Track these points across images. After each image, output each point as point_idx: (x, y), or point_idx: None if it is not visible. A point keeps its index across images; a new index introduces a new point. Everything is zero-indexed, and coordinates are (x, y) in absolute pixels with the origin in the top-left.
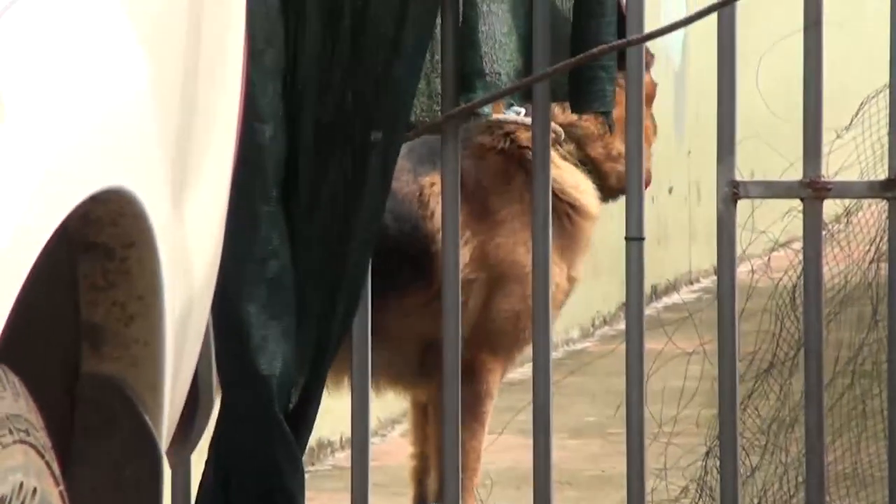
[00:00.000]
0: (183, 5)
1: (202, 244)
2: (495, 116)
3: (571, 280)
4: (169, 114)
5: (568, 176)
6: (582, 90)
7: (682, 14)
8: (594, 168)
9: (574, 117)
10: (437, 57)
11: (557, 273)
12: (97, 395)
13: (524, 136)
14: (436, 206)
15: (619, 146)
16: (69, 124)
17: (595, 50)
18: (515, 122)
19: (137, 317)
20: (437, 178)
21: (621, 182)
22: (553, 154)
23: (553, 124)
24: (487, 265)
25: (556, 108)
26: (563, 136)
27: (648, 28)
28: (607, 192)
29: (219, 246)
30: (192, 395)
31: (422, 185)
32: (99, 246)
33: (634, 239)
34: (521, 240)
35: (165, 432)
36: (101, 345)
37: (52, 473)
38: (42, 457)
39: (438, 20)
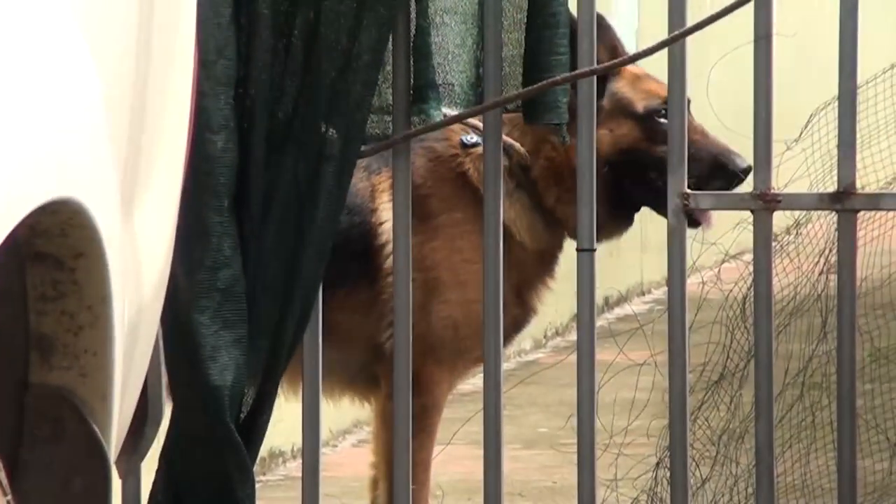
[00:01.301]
0: (133, 15)
1: (152, 254)
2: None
3: (525, 308)
4: (118, 124)
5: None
6: (536, 101)
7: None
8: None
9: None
10: (389, 68)
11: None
12: (46, 405)
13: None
14: (382, 203)
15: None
16: (16, 134)
17: (549, 81)
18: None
19: (87, 327)
20: (389, 175)
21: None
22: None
23: (515, 143)
24: (423, 267)
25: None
26: (525, 155)
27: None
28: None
29: (169, 256)
30: (142, 404)
31: (373, 182)
32: (48, 256)
33: (586, 250)
34: (458, 247)
35: (115, 442)
36: (50, 355)
37: (0, 484)
38: None
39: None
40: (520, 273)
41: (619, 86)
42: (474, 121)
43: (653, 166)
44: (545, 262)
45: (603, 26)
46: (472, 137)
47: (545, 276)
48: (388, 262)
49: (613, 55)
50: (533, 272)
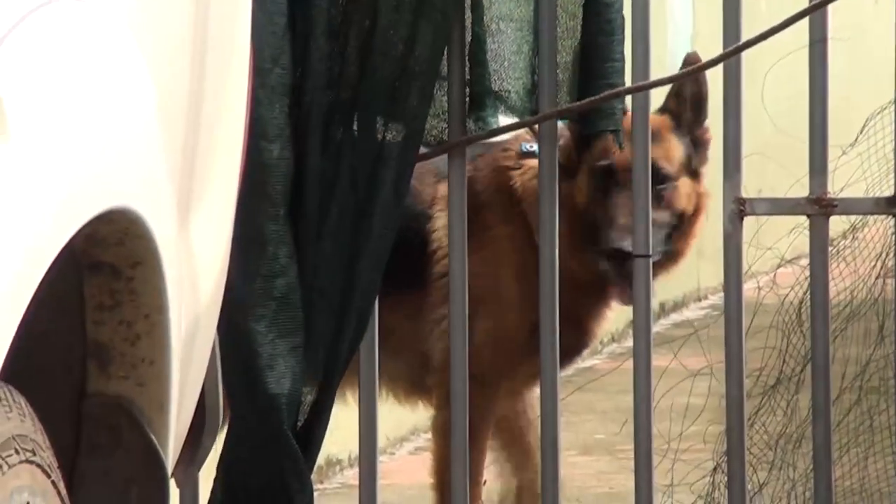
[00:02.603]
0: (187, 26)
1: (208, 263)
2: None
3: (580, 333)
4: (174, 133)
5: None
6: (592, 109)
7: (688, 19)
8: None
9: None
10: (445, 75)
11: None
12: (104, 415)
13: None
14: (438, 210)
15: None
16: (74, 144)
17: (603, 95)
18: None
19: (144, 336)
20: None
21: None
22: None
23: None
24: (470, 276)
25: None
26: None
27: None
28: None
29: (225, 264)
30: (199, 413)
31: (437, 189)
32: (105, 265)
33: (642, 256)
34: (504, 262)
35: (172, 451)
36: (107, 364)
37: (59, 493)
38: (48, 476)
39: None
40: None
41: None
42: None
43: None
44: (597, 287)
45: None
46: (532, 146)
47: (600, 300)
48: (438, 269)
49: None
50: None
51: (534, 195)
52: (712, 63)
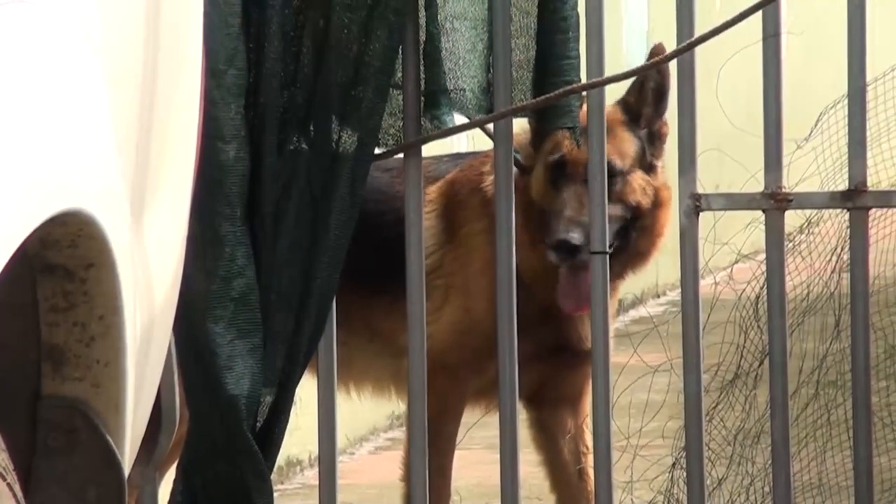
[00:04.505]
0: (139, 26)
1: (163, 264)
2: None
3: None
4: (126, 135)
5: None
6: (548, 106)
7: (643, 16)
8: None
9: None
10: (400, 75)
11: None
12: (59, 417)
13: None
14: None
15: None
16: (25, 146)
17: (558, 92)
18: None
19: (98, 337)
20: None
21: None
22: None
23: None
24: (446, 272)
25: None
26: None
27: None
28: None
29: (180, 265)
30: (156, 414)
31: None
32: (58, 267)
33: (599, 253)
34: (476, 258)
35: (129, 452)
36: (62, 366)
37: (15, 496)
38: (4, 479)
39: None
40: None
41: None
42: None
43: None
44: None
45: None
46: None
47: None
48: (426, 266)
49: None
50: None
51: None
52: (667, 59)
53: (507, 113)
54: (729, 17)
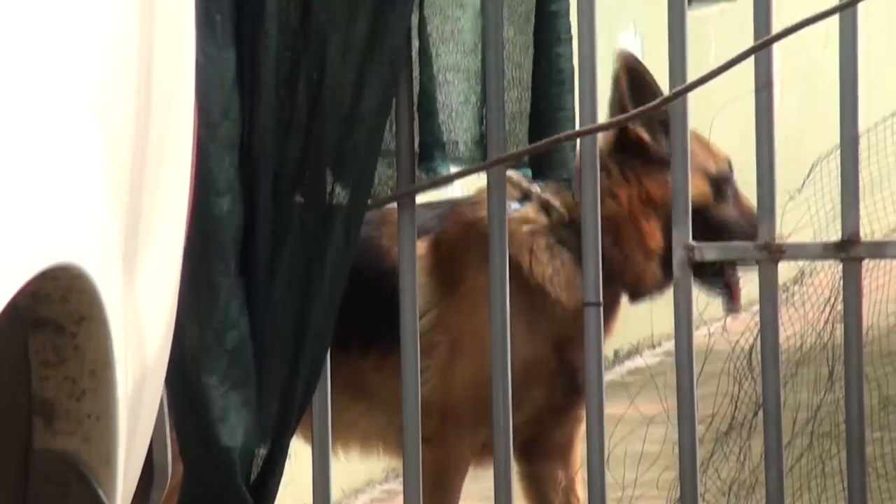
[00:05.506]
0: (132, 81)
1: (154, 317)
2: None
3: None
4: (117, 189)
5: (547, 269)
6: (543, 157)
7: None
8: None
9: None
10: (394, 126)
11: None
12: (50, 470)
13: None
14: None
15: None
16: (15, 201)
17: (553, 138)
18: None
19: (89, 392)
20: (428, 241)
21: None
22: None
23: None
24: (449, 329)
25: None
26: (564, 213)
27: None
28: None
29: (172, 319)
30: (147, 467)
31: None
32: (49, 322)
33: (592, 304)
34: (482, 311)
35: None
36: (53, 420)
37: None
38: None
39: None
40: (558, 332)
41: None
42: (519, 183)
43: (714, 226)
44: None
45: (640, 72)
46: (513, 204)
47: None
48: (421, 325)
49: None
50: (574, 330)
51: (518, 240)
52: (661, 103)
53: (500, 161)
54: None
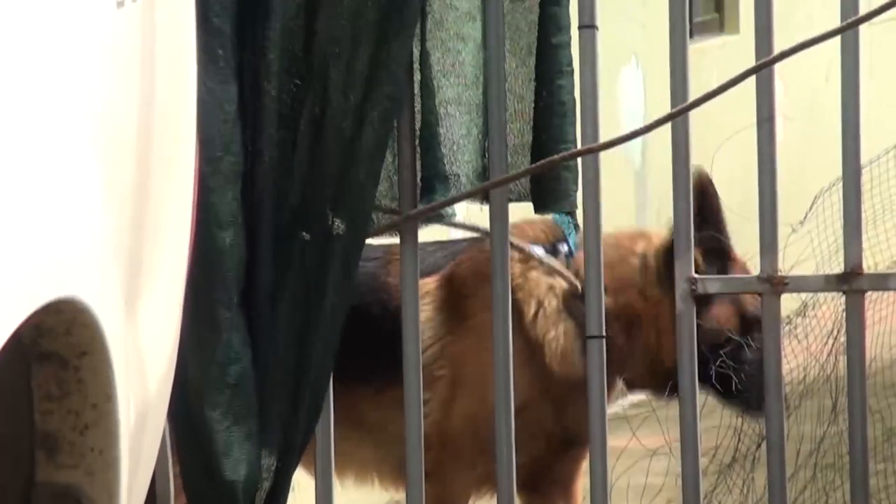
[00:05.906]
0: (134, 114)
1: (156, 351)
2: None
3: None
4: (120, 223)
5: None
6: (545, 190)
7: (639, 115)
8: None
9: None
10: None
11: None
12: None
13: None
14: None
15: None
16: (19, 236)
17: (550, 159)
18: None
19: (92, 425)
20: (430, 280)
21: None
22: (554, 303)
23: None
24: (452, 364)
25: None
26: (576, 284)
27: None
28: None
29: (174, 352)
30: (150, 501)
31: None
32: (53, 355)
33: (595, 337)
34: (487, 348)
35: None
36: (56, 453)
37: None
38: None
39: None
40: (551, 386)
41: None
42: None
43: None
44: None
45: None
46: (539, 249)
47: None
48: (424, 358)
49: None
50: (568, 397)
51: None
52: (657, 124)
53: (501, 181)
54: (726, 97)
